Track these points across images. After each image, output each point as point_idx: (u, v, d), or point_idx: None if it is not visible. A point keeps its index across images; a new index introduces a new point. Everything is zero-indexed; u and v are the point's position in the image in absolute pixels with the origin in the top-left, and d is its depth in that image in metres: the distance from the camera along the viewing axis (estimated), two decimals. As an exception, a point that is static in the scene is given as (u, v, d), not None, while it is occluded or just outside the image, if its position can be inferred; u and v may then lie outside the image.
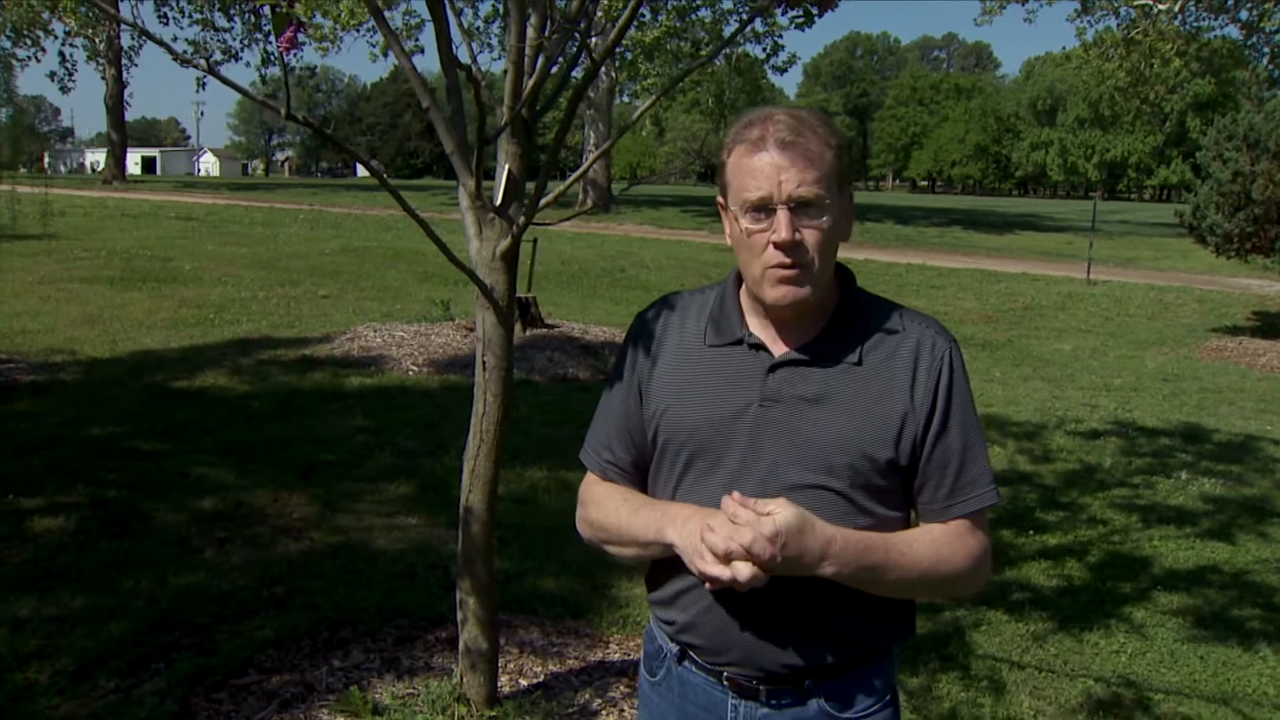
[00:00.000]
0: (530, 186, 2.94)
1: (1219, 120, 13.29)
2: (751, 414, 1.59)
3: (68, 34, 30.61)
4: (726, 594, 1.58)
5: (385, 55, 24.98)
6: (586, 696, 3.45)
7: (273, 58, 27.60)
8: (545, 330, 9.78)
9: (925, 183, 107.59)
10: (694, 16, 24.47)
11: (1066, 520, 5.67)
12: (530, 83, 2.75)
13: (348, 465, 5.99)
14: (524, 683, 3.53)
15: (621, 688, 3.50)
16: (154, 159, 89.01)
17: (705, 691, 1.68)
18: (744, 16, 20.36)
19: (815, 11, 3.80)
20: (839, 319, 1.62)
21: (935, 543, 1.58)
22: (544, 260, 14.22)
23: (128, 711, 3.25)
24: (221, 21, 29.43)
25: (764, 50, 27.28)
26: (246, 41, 30.08)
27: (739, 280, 1.67)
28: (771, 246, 1.54)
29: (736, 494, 1.51)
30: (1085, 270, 18.35)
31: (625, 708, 3.37)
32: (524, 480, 5.82)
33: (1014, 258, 22.54)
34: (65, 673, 3.46)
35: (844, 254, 1.62)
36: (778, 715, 1.64)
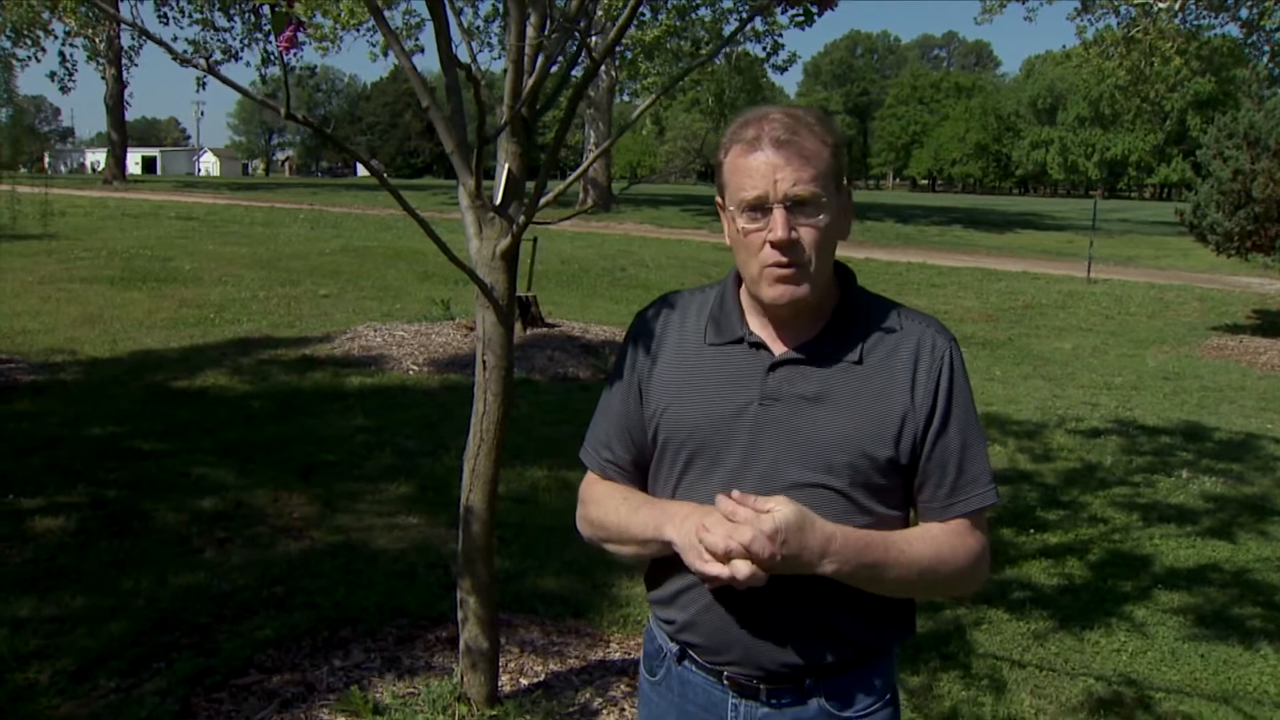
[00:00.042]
0: (530, 186, 2.94)
1: (1219, 118, 13.29)
2: (752, 412, 1.59)
3: (68, 34, 30.61)
4: (726, 593, 1.58)
5: (385, 55, 24.99)
6: (587, 696, 3.45)
7: (273, 57, 27.62)
8: (546, 329, 9.78)
9: (925, 181, 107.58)
10: (694, 15, 24.46)
11: (1067, 519, 5.67)
12: (530, 82, 2.74)
13: (348, 465, 5.99)
14: (525, 682, 3.53)
15: (622, 687, 3.50)
16: (154, 159, 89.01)
17: (705, 691, 1.68)
18: (744, 15, 20.37)
19: (815, 10, 3.80)
20: (839, 318, 1.62)
21: (935, 541, 1.58)
22: (544, 259, 14.22)
23: (128, 711, 3.25)
24: (221, 21, 29.43)
25: (764, 49, 27.27)
26: (246, 41, 30.09)
27: (739, 279, 1.67)
28: (768, 245, 1.54)
29: (736, 492, 1.50)
30: (1086, 269, 18.35)
31: (626, 707, 3.37)
32: (524, 479, 5.82)
33: (1014, 256, 22.54)
34: (66, 673, 3.46)
35: (844, 252, 1.62)
36: (778, 714, 1.64)
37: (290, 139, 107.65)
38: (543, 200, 2.90)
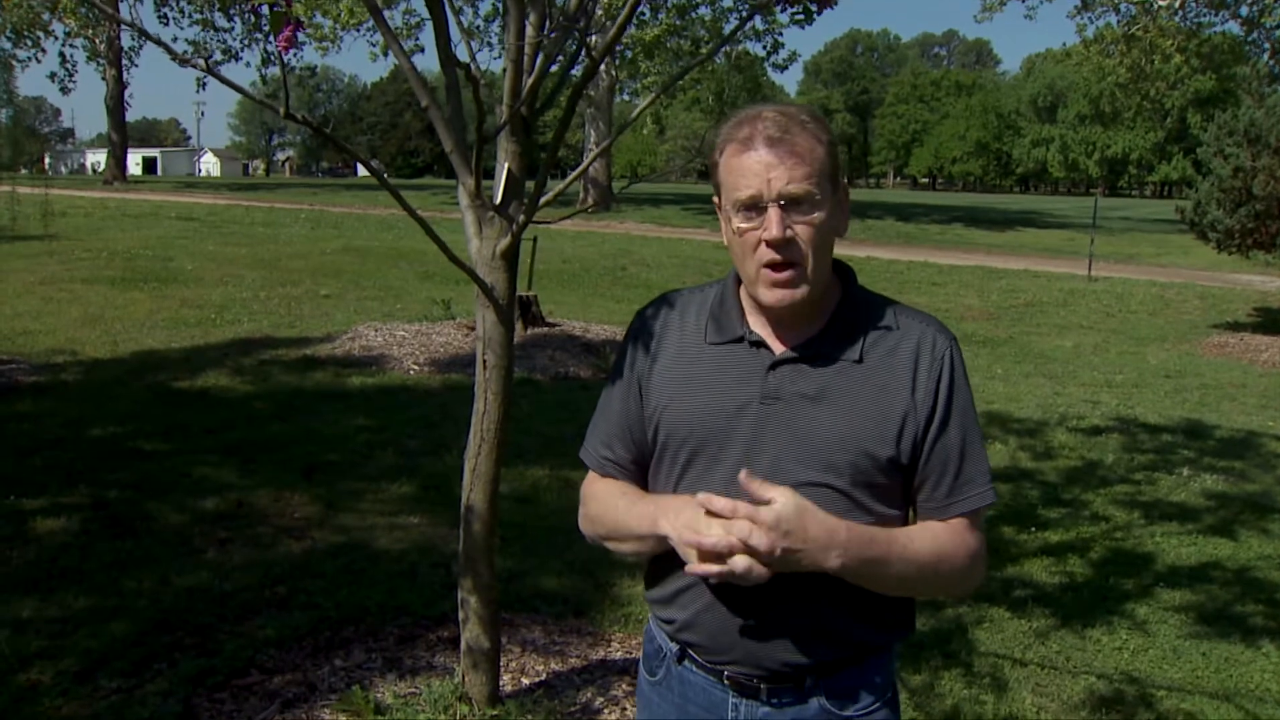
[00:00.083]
0: (530, 185, 2.94)
1: (1220, 116, 13.28)
2: (752, 411, 1.59)
3: (68, 35, 30.61)
4: (727, 592, 1.58)
5: (385, 55, 24.95)
6: (589, 695, 3.45)
7: (272, 57, 27.59)
8: (546, 329, 9.77)
9: (926, 180, 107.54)
10: (694, 14, 24.45)
11: (1068, 517, 5.67)
12: (529, 81, 2.75)
13: (349, 465, 6.00)
14: (526, 681, 3.53)
15: (624, 686, 3.50)
16: (155, 159, 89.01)
17: (705, 691, 1.67)
18: (743, 14, 20.36)
19: (814, 9, 3.80)
20: (840, 316, 1.62)
21: (936, 539, 1.58)
22: (545, 259, 14.22)
23: (130, 712, 3.25)
24: (221, 21, 29.40)
25: (764, 48, 27.26)
26: (246, 41, 30.06)
27: (739, 278, 1.67)
28: (764, 244, 1.54)
29: (744, 471, 1.49)
30: (1086, 267, 18.34)
31: (627, 706, 3.37)
32: (526, 479, 5.82)
33: (1015, 254, 22.53)
34: (68, 673, 3.47)
35: (845, 251, 1.62)
36: (778, 714, 1.64)
37: (291, 139, 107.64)
38: (542, 199, 2.90)
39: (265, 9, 2.01)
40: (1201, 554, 5.20)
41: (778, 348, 1.61)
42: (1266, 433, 7.88)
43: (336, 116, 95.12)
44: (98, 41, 33.33)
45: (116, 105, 39.44)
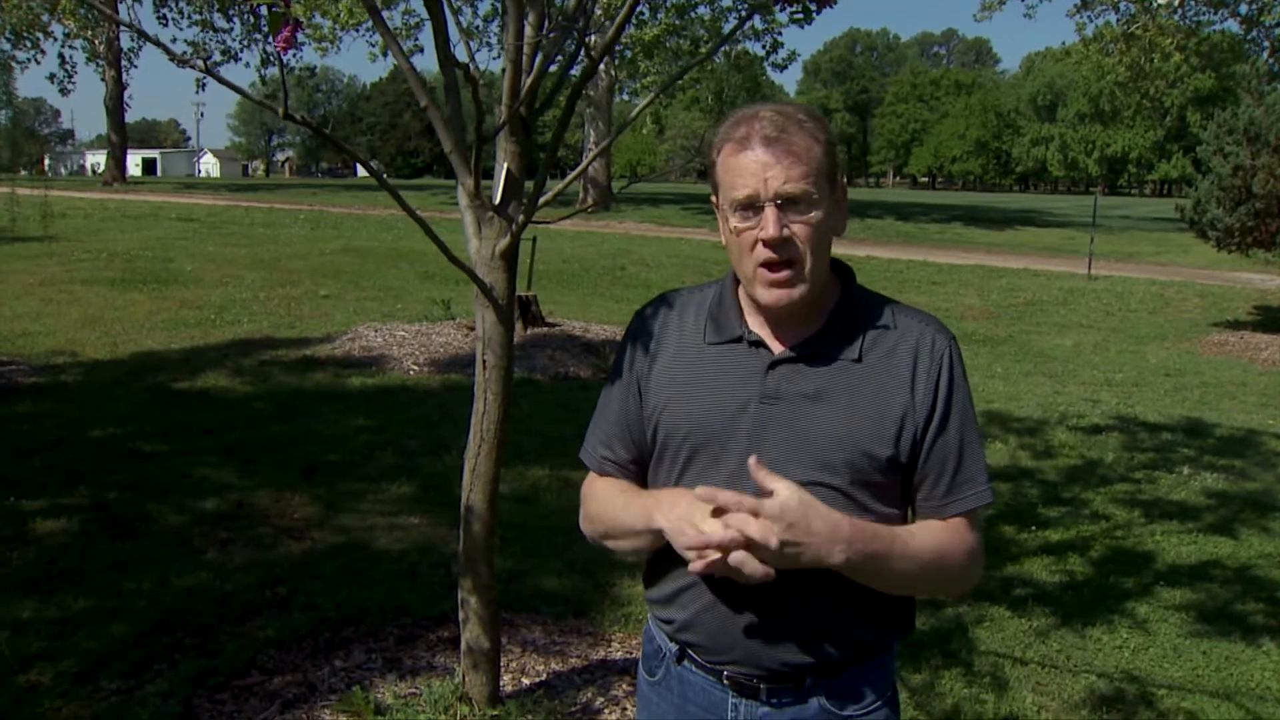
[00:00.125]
0: (529, 185, 2.94)
1: (1219, 114, 13.27)
2: (751, 411, 1.58)
3: (67, 36, 30.63)
4: (726, 592, 1.58)
5: (385, 55, 24.95)
6: (589, 695, 3.45)
7: (272, 58, 27.59)
8: (546, 329, 9.77)
9: (926, 179, 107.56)
10: (693, 14, 24.46)
11: (1068, 516, 5.67)
12: (528, 81, 2.74)
13: (349, 465, 6.00)
14: (526, 681, 3.53)
15: (624, 686, 3.49)
16: (154, 160, 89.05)
17: (705, 691, 1.67)
18: (742, 13, 20.37)
19: (813, 8, 3.80)
20: (838, 316, 1.62)
21: (936, 536, 1.58)
22: (545, 259, 14.22)
23: (130, 713, 3.25)
24: (221, 22, 29.43)
25: (763, 47, 27.28)
26: (246, 42, 30.11)
27: (737, 278, 1.66)
28: (760, 244, 1.54)
29: (754, 457, 1.47)
30: (1086, 265, 18.33)
31: (628, 706, 3.37)
32: (526, 479, 5.82)
33: (1015, 253, 22.53)
34: (68, 674, 3.46)
35: (844, 250, 1.62)
36: (778, 714, 1.63)
37: (290, 140, 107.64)
38: (541, 199, 2.90)
39: (264, 9, 2.01)
40: (1202, 552, 5.20)
41: (776, 347, 1.61)
42: (1266, 431, 7.88)
43: (336, 117, 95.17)
44: (97, 43, 33.34)
45: (116, 106, 39.45)
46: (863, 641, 1.62)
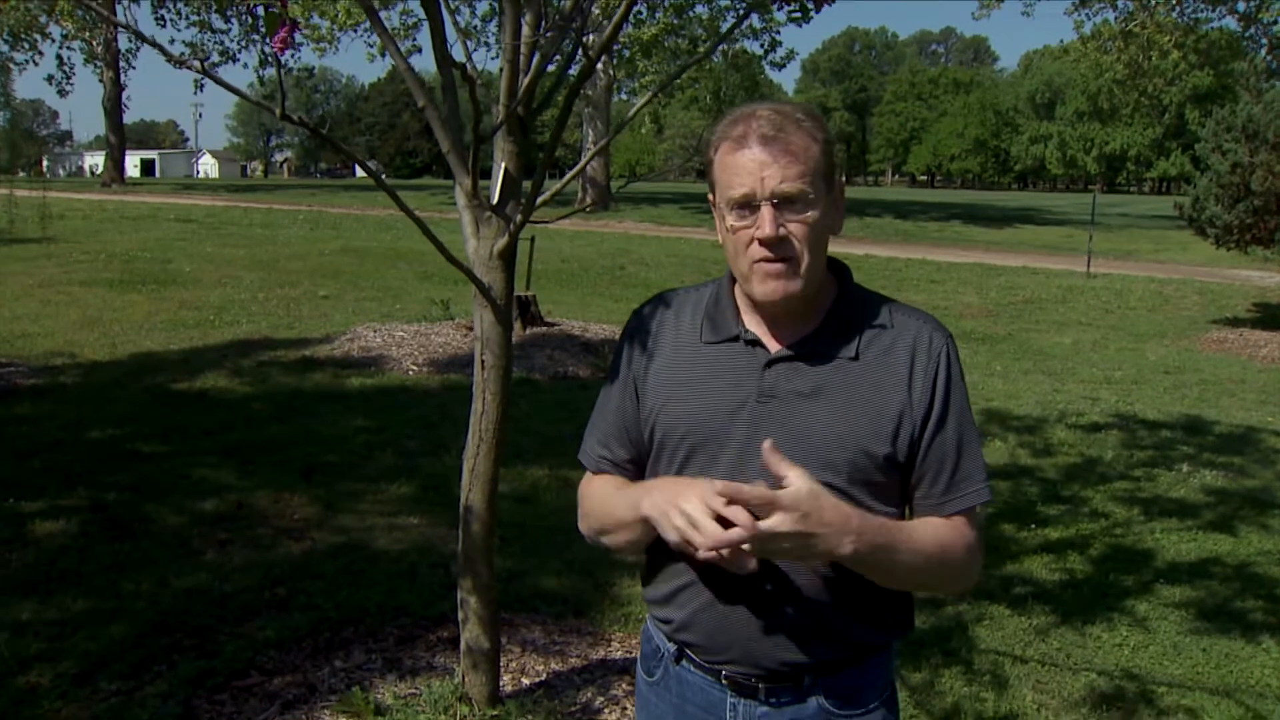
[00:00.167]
0: (527, 185, 2.94)
1: (1218, 112, 13.28)
2: (748, 410, 1.58)
3: (65, 37, 30.62)
4: (724, 591, 1.58)
5: (383, 55, 24.90)
6: (589, 695, 3.45)
7: (270, 59, 27.55)
8: (545, 328, 9.77)
9: (924, 177, 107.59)
10: (691, 13, 24.45)
11: (1068, 514, 5.67)
12: (525, 81, 2.74)
13: (349, 465, 5.99)
14: (526, 681, 3.53)
15: (624, 686, 3.49)
16: (153, 161, 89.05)
17: (703, 690, 1.67)
18: (740, 12, 20.36)
19: (811, 6, 3.80)
20: (835, 314, 1.62)
21: (938, 532, 1.58)
22: (544, 258, 14.22)
23: (129, 714, 3.25)
24: (219, 23, 29.40)
25: (761, 46, 27.27)
26: (244, 43, 30.06)
27: (734, 277, 1.66)
28: (756, 242, 1.53)
29: (769, 441, 1.43)
30: (1085, 263, 18.34)
31: (627, 705, 3.37)
32: (525, 479, 5.82)
33: (1014, 251, 22.53)
34: (67, 676, 3.46)
35: (844, 249, 1.62)
36: (777, 713, 1.63)
37: (289, 140, 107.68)
38: (539, 199, 2.89)
39: (261, 10, 2.01)
40: (1201, 550, 5.20)
41: (773, 346, 1.61)
42: (1266, 428, 7.88)
43: (334, 117, 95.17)
44: (95, 44, 33.31)
45: (114, 107, 39.43)
46: (861, 640, 1.62)
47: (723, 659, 1.63)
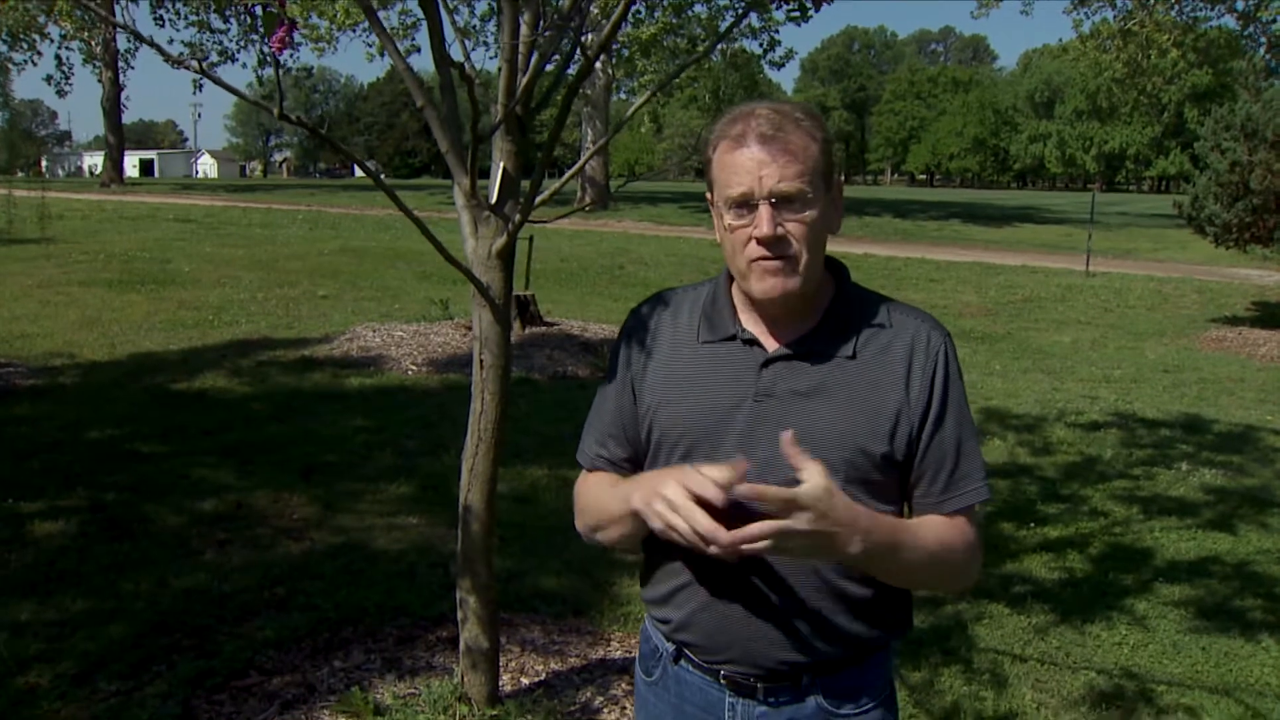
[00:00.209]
0: (526, 184, 2.94)
1: (1216, 110, 13.27)
2: (745, 409, 1.58)
3: (64, 37, 30.60)
4: (722, 591, 1.58)
5: (382, 55, 24.89)
6: (588, 694, 3.45)
7: (268, 58, 27.53)
8: (544, 328, 9.77)
9: (923, 176, 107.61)
10: (690, 13, 24.44)
11: (1067, 512, 5.67)
12: (524, 80, 2.74)
13: (348, 465, 5.99)
14: (526, 681, 3.53)
15: (623, 685, 3.49)
16: (152, 161, 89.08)
17: (702, 690, 1.67)
18: (739, 11, 20.34)
19: (810, 5, 3.79)
20: (832, 313, 1.62)
21: (940, 531, 1.58)
22: (543, 258, 14.22)
23: (129, 714, 3.25)
24: (218, 23, 29.38)
25: (760, 46, 27.26)
26: (243, 43, 30.04)
27: (731, 276, 1.66)
28: (754, 241, 1.53)
29: (789, 433, 1.41)
30: (1084, 262, 18.34)
31: (627, 705, 3.37)
32: (524, 479, 5.82)
33: (1013, 250, 22.53)
34: (66, 676, 3.46)
35: (843, 248, 1.62)
36: (775, 713, 1.63)
37: (288, 140, 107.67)
38: (538, 198, 2.89)
39: (259, 10, 2.01)
40: (1200, 549, 5.20)
41: (770, 345, 1.61)
42: (1265, 427, 7.88)
43: (333, 117, 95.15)
44: (94, 44, 33.30)
45: (113, 107, 39.43)
46: (860, 640, 1.62)
47: (721, 659, 1.63)
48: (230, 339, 9.71)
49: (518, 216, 2.88)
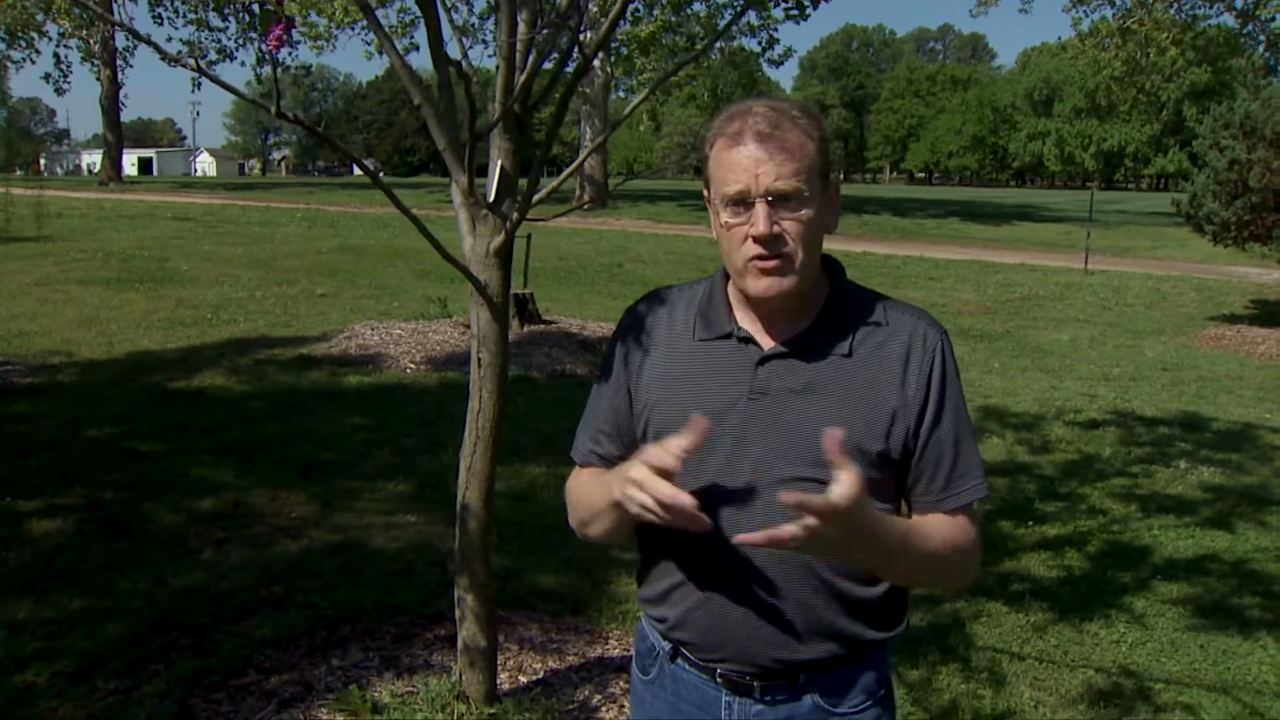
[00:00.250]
0: (524, 182, 2.93)
1: (1215, 109, 13.27)
2: (740, 407, 1.58)
3: (62, 35, 30.61)
4: (717, 589, 1.58)
5: (380, 53, 24.94)
6: (586, 692, 3.45)
7: (266, 56, 27.51)
8: (543, 326, 9.77)
9: (922, 175, 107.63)
10: (689, 11, 24.45)
11: (1066, 511, 5.67)
12: (521, 78, 2.74)
13: (346, 464, 5.99)
14: (523, 679, 3.53)
15: (621, 684, 3.49)
16: (150, 160, 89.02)
17: (698, 689, 1.67)
18: (738, 8, 20.34)
19: (808, 4, 3.79)
20: (828, 311, 1.61)
21: (944, 530, 1.57)
22: (541, 256, 14.22)
23: (126, 713, 3.24)
24: (216, 21, 29.38)
25: (759, 44, 27.30)
26: (241, 41, 30.06)
27: (727, 274, 1.66)
28: (750, 239, 1.53)
29: (835, 432, 1.36)
30: (1083, 260, 18.34)
31: (625, 703, 3.36)
32: (522, 477, 5.81)
33: (1012, 248, 22.53)
34: (64, 675, 3.46)
35: (842, 247, 1.62)
36: (772, 711, 1.63)
37: (287, 138, 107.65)
38: (536, 196, 2.89)
39: (256, 7, 2.00)
40: (1199, 547, 5.20)
41: (766, 343, 1.61)
42: (1263, 425, 7.88)
43: (332, 115, 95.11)
44: (92, 42, 33.29)
45: (111, 106, 39.40)
46: (857, 638, 1.62)
47: (717, 657, 1.63)
48: (228, 337, 9.70)
49: (515, 214, 2.88)
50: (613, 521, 1.60)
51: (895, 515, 1.61)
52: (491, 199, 2.90)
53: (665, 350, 1.66)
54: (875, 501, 1.55)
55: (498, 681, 3.32)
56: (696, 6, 24.56)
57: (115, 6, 2.49)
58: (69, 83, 33.19)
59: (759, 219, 1.51)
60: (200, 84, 38.83)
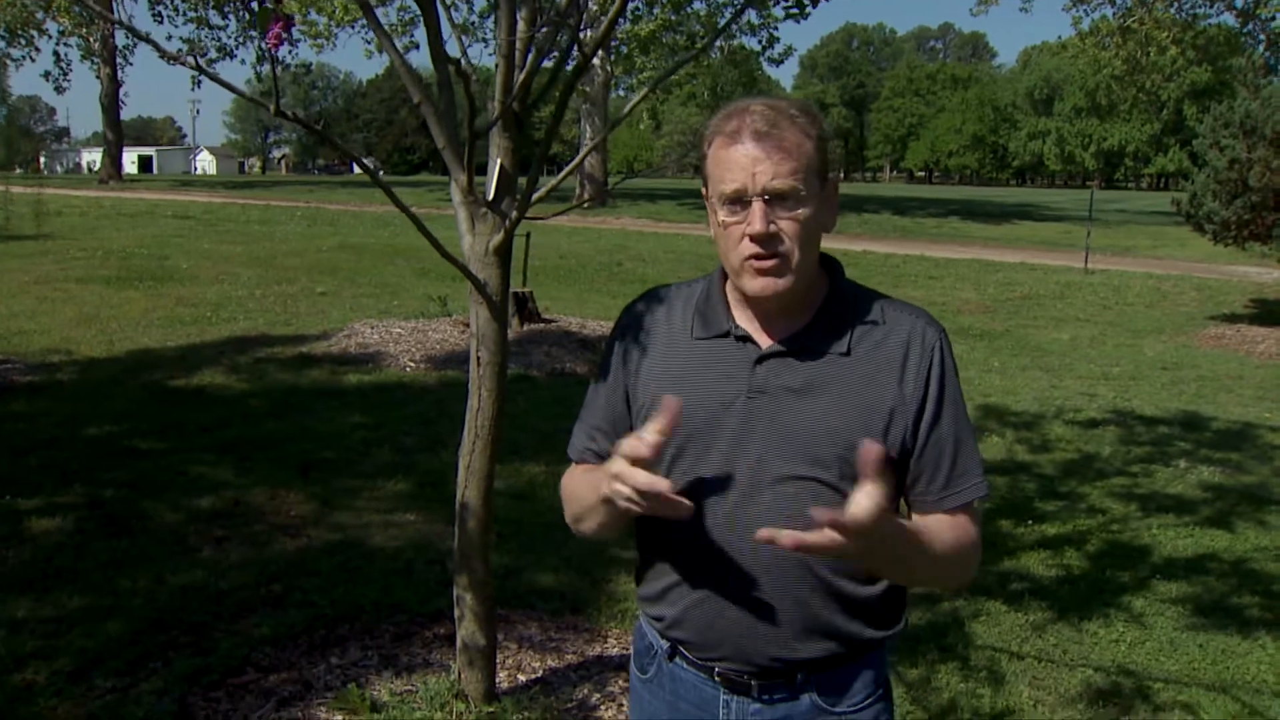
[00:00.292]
0: (523, 181, 2.93)
1: (1215, 108, 13.26)
2: (738, 406, 1.57)
3: (62, 33, 30.57)
4: (715, 588, 1.58)
5: (380, 51, 24.90)
6: (585, 691, 3.45)
7: (266, 55, 27.52)
8: (543, 325, 9.77)
9: (923, 173, 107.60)
10: (689, 9, 24.43)
11: (1065, 510, 5.67)
12: (520, 77, 2.74)
13: (346, 462, 5.99)
14: (522, 678, 3.53)
15: (620, 682, 3.49)
16: (150, 158, 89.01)
17: (697, 688, 1.67)
18: (737, 7, 20.35)
19: (808, 2, 3.79)
20: (827, 310, 1.61)
21: (946, 530, 1.57)
22: (541, 255, 14.22)
23: (125, 711, 3.24)
24: (216, 19, 29.35)
25: (759, 42, 27.26)
26: (241, 39, 30.03)
27: (725, 272, 1.66)
28: (747, 238, 1.53)
29: (873, 446, 1.35)
30: (1083, 259, 18.34)
31: (624, 702, 3.37)
32: (522, 475, 5.81)
33: (1012, 247, 22.53)
34: (63, 673, 3.46)
35: (842, 245, 1.62)
36: (770, 710, 1.63)
37: (287, 137, 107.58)
38: (535, 195, 2.89)
39: (255, 5, 2.00)
40: (1198, 546, 5.20)
41: (764, 342, 1.60)
42: (1263, 424, 7.88)
43: (332, 113, 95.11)
44: (92, 40, 33.27)
45: (111, 104, 39.39)
46: (855, 637, 1.61)
47: (715, 656, 1.63)
48: (228, 336, 9.70)
49: (515, 213, 2.88)
50: (603, 517, 1.60)
51: (896, 515, 1.61)
52: (491, 197, 2.90)
53: (663, 349, 1.66)
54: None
55: (497, 680, 3.32)
56: (696, 5, 24.54)
57: (115, 4, 2.49)
58: (69, 81, 33.23)
59: (755, 218, 1.51)
60: (200, 82, 38.87)
